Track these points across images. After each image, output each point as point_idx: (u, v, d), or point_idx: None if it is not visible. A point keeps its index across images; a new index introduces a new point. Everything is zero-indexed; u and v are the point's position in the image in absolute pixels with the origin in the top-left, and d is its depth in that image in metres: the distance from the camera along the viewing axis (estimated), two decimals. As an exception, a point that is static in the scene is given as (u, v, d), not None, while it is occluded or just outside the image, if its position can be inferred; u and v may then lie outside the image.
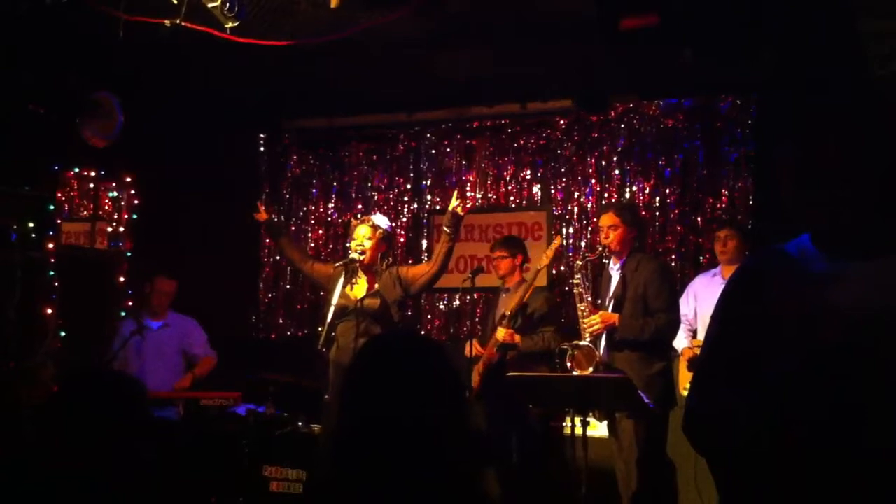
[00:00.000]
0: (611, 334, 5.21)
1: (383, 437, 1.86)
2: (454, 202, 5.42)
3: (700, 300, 6.00)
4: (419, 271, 5.56)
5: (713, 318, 2.01)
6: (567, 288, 6.45)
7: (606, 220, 5.37)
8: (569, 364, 5.12)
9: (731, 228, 6.10)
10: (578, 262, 5.43)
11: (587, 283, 5.34)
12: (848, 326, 1.68)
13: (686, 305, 5.97)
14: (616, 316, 5.19)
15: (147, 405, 2.28)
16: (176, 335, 6.81)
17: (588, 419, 4.79)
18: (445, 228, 5.46)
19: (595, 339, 5.18)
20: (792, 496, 1.70)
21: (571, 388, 4.81)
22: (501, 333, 5.84)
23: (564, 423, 5.57)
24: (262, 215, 5.98)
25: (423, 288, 5.66)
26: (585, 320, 5.21)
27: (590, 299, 5.29)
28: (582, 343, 5.14)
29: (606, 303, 5.33)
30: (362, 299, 5.40)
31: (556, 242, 5.86)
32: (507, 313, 5.91)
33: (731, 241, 5.96)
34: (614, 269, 5.38)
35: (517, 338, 5.87)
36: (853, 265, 1.75)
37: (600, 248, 5.39)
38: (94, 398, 2.10)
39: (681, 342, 5.87)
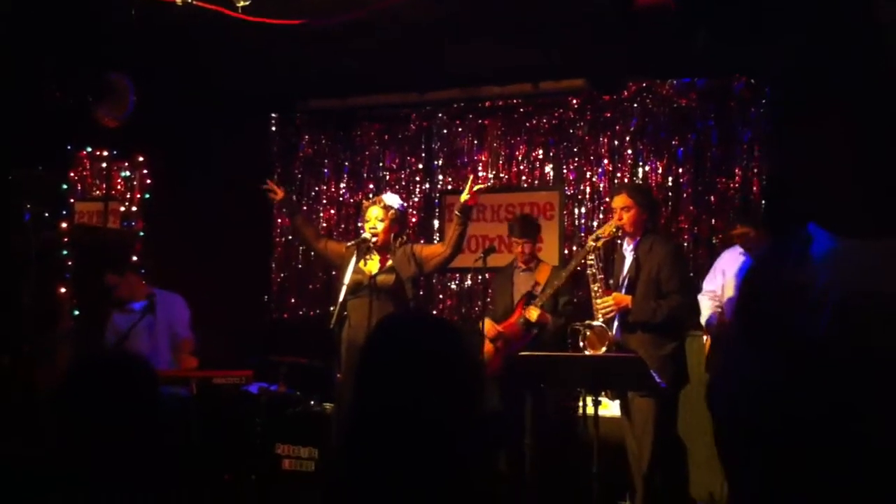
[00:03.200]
0: (624, 315, 5.20)
1: (395, 418, 1.86)
2: (465, 195, 5.39)
3: (727, 278, 5.91)
4: (433, 252, 5.56)
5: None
6: (578, 269, 6.41)
7: (619, 201, 5.36)
8: (582, 344, 5.12)
9: (745, 225, 5.91)
10: (592, 243, 5.38)
11: (600, 264, 5.32)
12: (840, 312, 1.66)
13: (713, 282, 5.92)
14: (629, 298, 5.18)
15: (159, 386, 2.26)
16: (162, 311, 6.62)
17: (600, 399, 4.80)
18: (457, 213, 5.47)
19: (608, 319, 5.17)
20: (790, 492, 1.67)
21: (584, 368, 4.82)
22: (535, 314, 5.77)
23: (578, 404, 5.60)
24: (279, 194, 5.97)
25: (435, 269, 5.70)
26: (599, 301, 5.20)
27: (602, 278, 5.28)
28: (595, 323, 5.13)
29: (619, 283, 5.32)
30: (376, 275, 5.41)
31: (613, 224, 5.40)
32: (538, 293, 5.83)
33: (752, 236, 5.82)
34: (627, 250, 5.38)
35: (548, 317, 5.83)
36: (852, 247, 1.73)
37: (614, 229, 5.36)
38: (107, 382, 2.08)
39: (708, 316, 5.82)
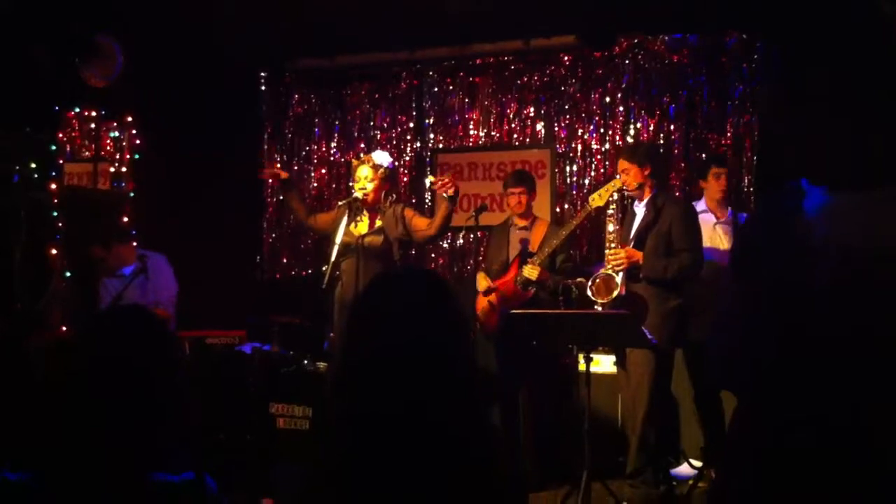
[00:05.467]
0: (632, 269, 5.22)
1: (388, 375, 1.86)
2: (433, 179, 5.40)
3: None
4: (420, 225, 5.52)
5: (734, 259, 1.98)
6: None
7: (619, 165, 5.43)
8: (590, 291, 5.18)
9: (720, 166, 6.02)
10: (615, 194, 5.34)
11: (620, 215, 5.33)
12: (843, 263, 1.66)
13: None
14: (640, 254, 5.20)
15: (174, 341, 2.18)
16: (152, 273, 6.51)
17: (591, 356, 4.82)
18: (445, 196, 5.41)
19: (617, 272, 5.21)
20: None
21: (575, 325, 4.83)
22: (535, 272, 5.75)
23: (571, 362, 5.64)
24: (278, 173, 5.95)
25: (420, 243, 5.70)
26: (611, 254, 5.20)
27: (619, 229, 5.27)
28: (602, 272, 5.18)
29: (630, 238, 5.33)
30: (363, 236, 5.41)
31: (617, 183, 5.38)
32: (542, 250, 5.79)
33: (727, 179, 5.95)
34: (639, 207, 5.40)
35: (548, 275, 5.81)
36: (847, 200, 1.73)
37: (620, 186, 5.35)
38: (130, 335, 2.02)
39: None
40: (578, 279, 5.32)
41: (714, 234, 5.85)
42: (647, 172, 5.33)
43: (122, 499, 1.83)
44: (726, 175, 5.97)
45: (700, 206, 5.95)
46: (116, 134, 7.06)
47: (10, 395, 4.92)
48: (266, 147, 8.42)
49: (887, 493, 1.49)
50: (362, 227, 5.50)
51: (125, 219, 6.83)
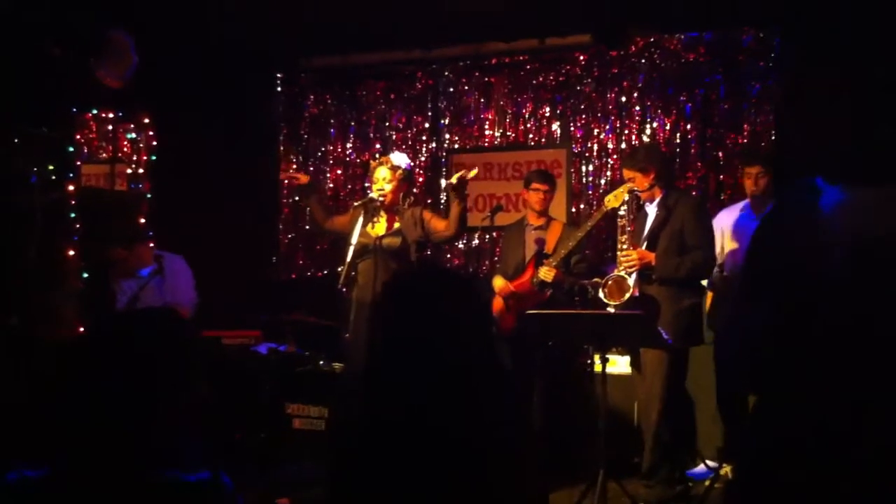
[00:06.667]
0: (645, 269, 5.20)
1: (415, 372, 1.86)
2: (452, 179, 5.30)
3: (726, 235, 5.89)
4: (439, 226, 5.50)
5: (746, 253, 1.97)
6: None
7: (624, 175, 5.42)
8: (603, 294, 5.15)
9: (763, 165, 5.84)
10: (626, 196, 5.32)
11: (631, 216, 5.31)
12: (855, 253, 1.64)
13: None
14: (653, 255, 5.18)
15: (197, 341, 2.16)
16: (169, 274, 6.42)
17: (607, 356, 4.81)
18: (451, 191, 5.40)
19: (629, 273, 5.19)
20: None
21: (590, 325, 4.82)
22: (551, 274, 5.74)
23: (588, 362, 5.63)
24: (301, 178, 5.92)
25: (439, 243, 5.70)
26: (623, 255, 5.18)
27: (631, 230, 5.26)
28: (615, 274, 5.16)
29: (642, 238, 5.31)
30: (381, 237, 5.40)
31: (631, 184, 5.36)
32: (557, 252, 5.78)
33: (763, 178, 5.81)
34: (650, 207, 5.38)
35: (562, 276, 5.80)
36: (861, 194, 1.72)
37: (628, 191, 5.34)
38: (143, 335, 1.99)
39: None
40: (594, 279, 5.30)
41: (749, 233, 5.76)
42: (651, 176, 5.31)
43: (135, 497, 1.83)
44: (756, 174, 5.79)
45: (742, 204, 5.95)
46: (133, 135, 7.07)
47: (18, 391, 4.93)
48: (282, 148, 8.43)
49: (887, 493, 1.47)
50: (380, 228, 5.49)
51: (142, 220, 6.85)
